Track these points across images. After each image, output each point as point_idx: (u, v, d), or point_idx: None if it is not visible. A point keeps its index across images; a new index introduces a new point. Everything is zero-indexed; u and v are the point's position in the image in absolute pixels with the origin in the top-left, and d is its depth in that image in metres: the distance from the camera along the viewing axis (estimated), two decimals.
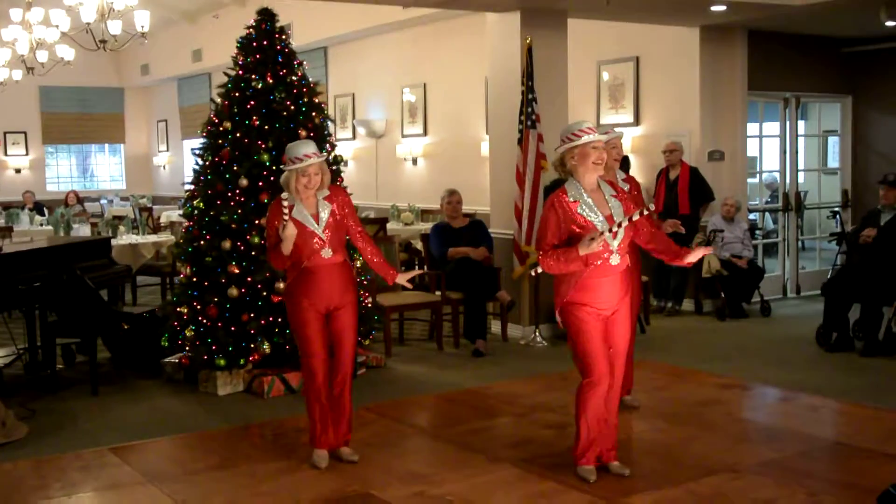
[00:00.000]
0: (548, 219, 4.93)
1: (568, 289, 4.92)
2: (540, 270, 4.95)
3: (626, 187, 6.11)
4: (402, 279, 5.60)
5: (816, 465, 5.47)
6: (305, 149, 5.27)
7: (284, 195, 5.28)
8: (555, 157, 5.18)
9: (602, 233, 4.74)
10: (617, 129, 6.48)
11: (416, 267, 11.53)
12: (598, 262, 4.84)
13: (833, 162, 12.87)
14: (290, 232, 5.14)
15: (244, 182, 7.17)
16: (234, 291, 7.09)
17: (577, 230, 4.83)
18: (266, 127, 7.30)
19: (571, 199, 4.89)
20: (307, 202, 5.29)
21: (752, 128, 11.26)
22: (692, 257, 5.04)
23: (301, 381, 7.16)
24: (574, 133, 4.93)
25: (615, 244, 4.85)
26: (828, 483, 5.16)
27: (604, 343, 4.95)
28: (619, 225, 4.78)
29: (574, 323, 4.95)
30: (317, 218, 5.27)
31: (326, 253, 5.28)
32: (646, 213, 4.81)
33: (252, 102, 7.34)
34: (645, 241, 5.09)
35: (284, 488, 5.14)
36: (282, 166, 5.35)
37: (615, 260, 4.89)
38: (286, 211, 5.18)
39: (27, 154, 21.42)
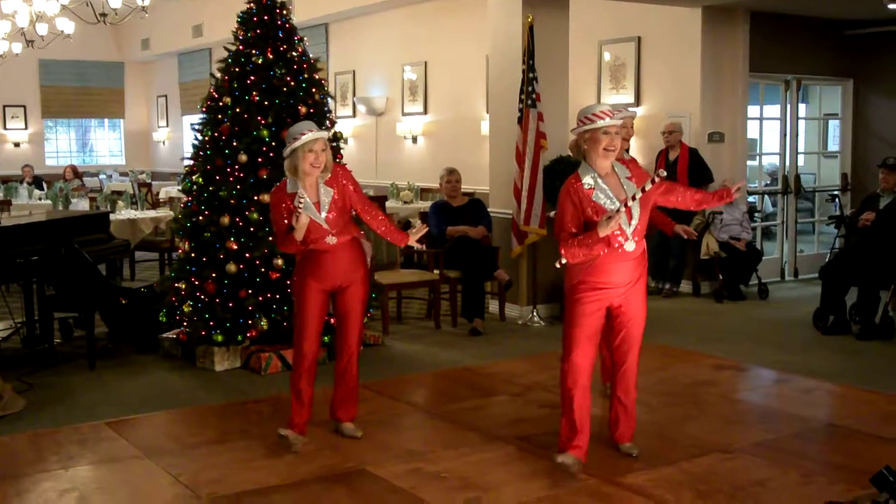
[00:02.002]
0: (564, 207, 4.84)
1: (579, 270, 4.87)
2: (564, 262, 4.85)
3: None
4: (413, 240, 5.56)
5: (810, 447, 5.50)
6: (307, 125, 5.24)
7: (301, 194, 5.09)
8: (571, 137, 5.13)
9: (618, 209, 4.66)
10: (630, 110, 6.40)
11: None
12: (616, 246, 4.77)
13: (833, 145, 12.85)
14: (304, 221, 5.10)
15: (243, 158, 7.16)
16: (232, 267, 7.09)
17: (595, 217, 4.75)
18: (266, 103, 7.28)
19: (586, 187, 4.79)
20: (310, 189, 5.23)
21: (752, 110, 11.24)
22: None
23: None
24: (588, 116, 4.81)
25: (630, 229, 4.78)
26: (821, 464, 5.19)
27: (596, 331, 4.95)
28: (633, 198, 4.68)
29: (575, 304, 4.91)
30: (318, 206, 5.22)
31: (331, 240, 5.26)
32: (657, 180, 4.71)
33: (252, 78, 7.32)
34: (672, 199, 5.05)
35: (280, 464, 5.16)
36: (284, 152, 5.26)
37: (630, 246, 4.82)
38: (301, 203, 5.04)
39: (26, 128, 21.40)
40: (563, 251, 4.80)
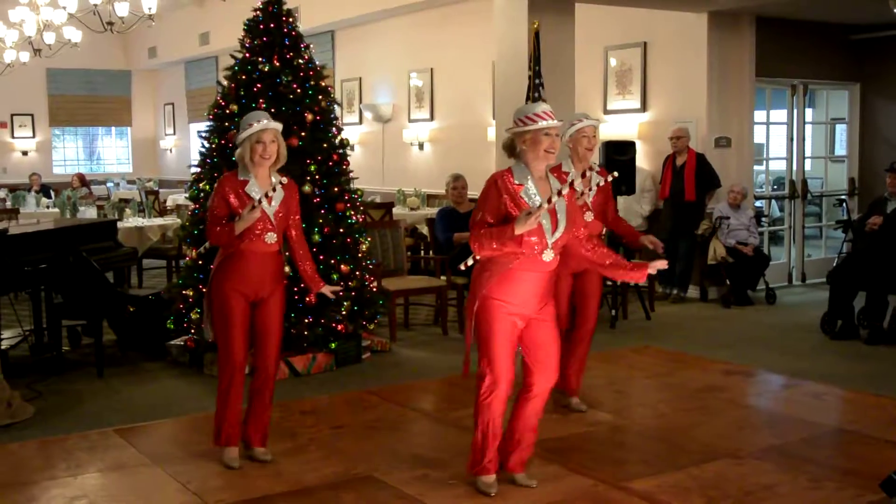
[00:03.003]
0: (487, 195, 4.60)
1: (490, 277, 4.60)
2: (471, 263, 4.61)
3: (599, 180, 5.94)
4: (327, 290, 5.41)
5: (819, 452, 5.48)
6: (259, 116, 5.08)
7: (248, 187, 5.03)
8: (504, 138, 4.81)
9: (541, 205, 4.42)
10: (591, 119, 6.25)
11: (422, 252, 11.57)
12: (533, 251, 4.52)
13: (840, 150, 12.84)
14: (256, 215, 4.96)
15: None
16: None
17: (515, 212, 4.49)
18: (272, 110, 7.27)
19: (517, 182, 4.57)
20: (262, 181, 5.10)
21: (758, 115, 11.23)
22: (643, 274, 4.74)
23: (307, 366, 7.23)
24: (528, 116, 4.59)
25: (552, 238, 4.54)
26: (830, 469, 5.16)
27: (511, 346, 4.68)
28: (559, 193, 4.44)
29: (485, 318, 4.61)
30: (269, 200, 5.07)
31: (270, 238, 5.09)
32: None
33: (258, 85, 7.33)
34: (583, 247, 4.77)
35: (289, 470, 5.16)
36: (235, 141, 5.14)
37: (548, 256, 4.55)
38: (261, 199, 4.96)
39: (34, 136, 21.44)
40: (471, 241, 4.57)
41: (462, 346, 8.26)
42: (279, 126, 5.16)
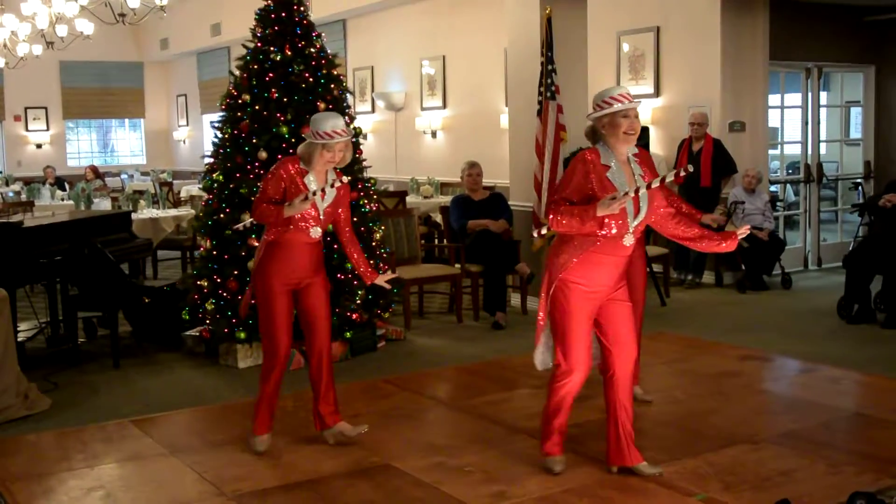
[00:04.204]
0: (573, 172, 4.58)
1: (567, 260, 4.60)
2: (545, 231, 4.64)
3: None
4: (381, 280, 5.45)
5: (836, 436, 5.46)
6: (335, 123, 5.06)
7: (309, 181, 5.09)
8: (587, 124, 4.90)
9: (626, 193, 4.41)
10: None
11: (436, 240, 11.57)
12: (613, 232, 4.52)
13: (855, 133, 12.75)
14: (304, 207, 5.02)
15: (263, 155, 7.16)
16: (253, 265, 7.08)
17: (601, 194, 4.49)
18: (285, 99, 7.29)
19: (603, 163, 4.57)
20: (319, 177, 5.16)
21: (773, 98, 11.16)
22: (734, 242, 4.68)
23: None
24: (605, 100, 4.59)
25: (634, 222, 4.55)
26: (848, 454, 5.14)
27: (587, 332, 4.69)
28: (649, 186, 4.46)
29: (561, 303, 4.64)
30: (323, 195, 5.13)
31: (315, 232, 5.16)
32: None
33: (271, 75, 7.32)
34: (671, 224, 4.72)
35: (304, 459, 5.17)
36: (304, 134, 5.26)
37: (628, 241, 4.58)
38: (316, 192, 5.03)
39: (48, 129, 21.52)
40: (550, 216, 4.53)
41: (476, 333, 8.32)
42: (352, 135, 5.25)
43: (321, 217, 5.15)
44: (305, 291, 5.25)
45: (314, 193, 5.03)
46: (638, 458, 4.80)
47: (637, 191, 4.45)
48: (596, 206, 4.40)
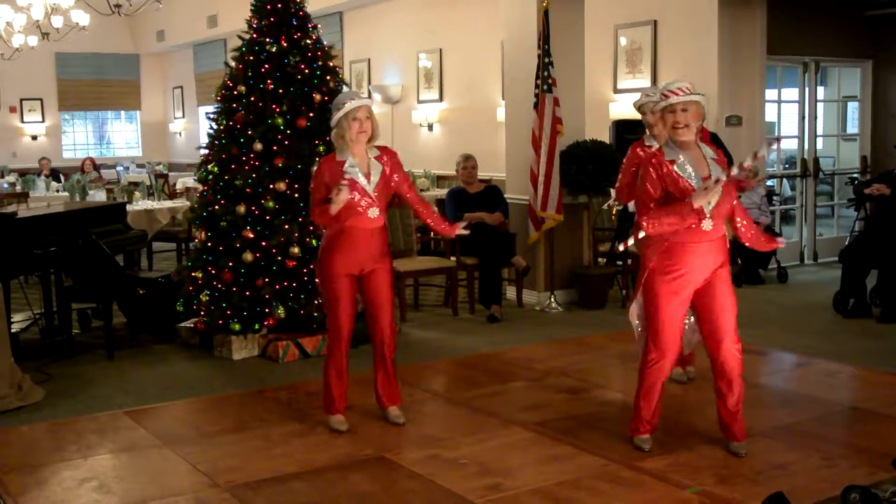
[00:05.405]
0: (647, 175, 4.74)
1: (654, 253, 4.78)
2: (641, 235, 4.77)
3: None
4: (460, 229, 5.57)
5: (831, 430, 5.45)
6: (351, 93, 5.28)
7: (351, 163, 5.11)
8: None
9: (718, 180, 4.59)
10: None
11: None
12: (692, 225, 4.66)
13: (852, 128, 12.75)
14: (345, 196, 5.05)
15: (258, 146, 7.14)
16: (248, 256, 7.09)
17: (673, 191, 4.67)
18: (280, 91, 7.26)
19: (668, 159, 4.73)
20: (360, 159, 5.21)
21: (770, 93, 11.14)
22: (774, 245, 5.17)
23: (317, 347, 7.22)
24: (663, 93, 4.80)
25: (709, 208, 4.66)
26: (843, 447, 5.14)
27: (678, 318, 4.83)
28: (741, 166, 4.64)
29: (652, 291, 4.81)
30: (368, 177, 5.21)
31: (373, 213, 5.24)
32: (763, 153, 4.69)
33: (266, 66, 7.30)
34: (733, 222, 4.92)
35: (299, 451, 5.16)
36: (331, 123, 5.25)
37: (707, 225, 4.68)
38: (347, 176, 5.06)
39: (43, 121, 21.47)
40: (645, 222, 4.68)
41: (471, 326, 8.31)
42: (371, 102, 5.32)
43: (372, 196, 5.20)
44: (368, 278, 5.35)
45: (346, 182, 5.04)
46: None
47: (728, 175, 4.65)
48: (692, 199, 4.59)
